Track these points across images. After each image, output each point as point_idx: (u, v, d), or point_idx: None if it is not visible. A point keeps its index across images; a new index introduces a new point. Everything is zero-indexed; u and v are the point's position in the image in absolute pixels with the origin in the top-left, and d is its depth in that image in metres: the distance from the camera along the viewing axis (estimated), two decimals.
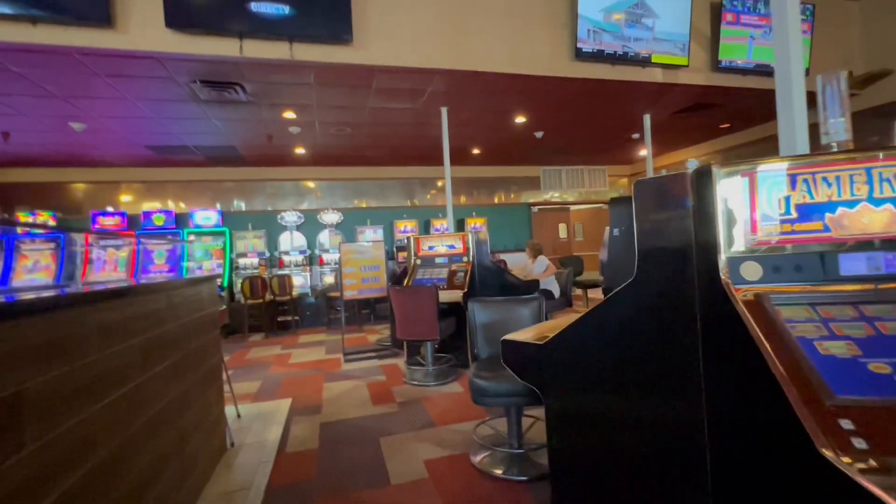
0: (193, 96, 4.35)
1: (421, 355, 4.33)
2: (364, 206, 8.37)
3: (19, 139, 5.39)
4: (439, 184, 8.74)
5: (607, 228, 6.44)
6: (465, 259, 4.61)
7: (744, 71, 4.89)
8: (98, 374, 1.35)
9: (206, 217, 7.34)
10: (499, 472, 2.28)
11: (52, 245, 6.79)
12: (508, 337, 1.86)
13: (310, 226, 7.92)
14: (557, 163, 9.11)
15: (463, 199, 8.80)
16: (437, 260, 4.72)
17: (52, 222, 6.95)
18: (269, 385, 4.16)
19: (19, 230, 6.66)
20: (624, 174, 9.90)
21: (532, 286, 4.90)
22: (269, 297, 6.91)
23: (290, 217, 7.79)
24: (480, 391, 2.21)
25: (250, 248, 7.51)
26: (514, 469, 2.27)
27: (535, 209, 9.42)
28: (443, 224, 8.10)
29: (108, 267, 6.90)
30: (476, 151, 7.59)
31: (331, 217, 7.93)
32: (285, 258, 7.65)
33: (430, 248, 4.77)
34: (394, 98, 4.79)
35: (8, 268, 6.50)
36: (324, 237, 7.89)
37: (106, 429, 1.38)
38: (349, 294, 5.02)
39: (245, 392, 3.96)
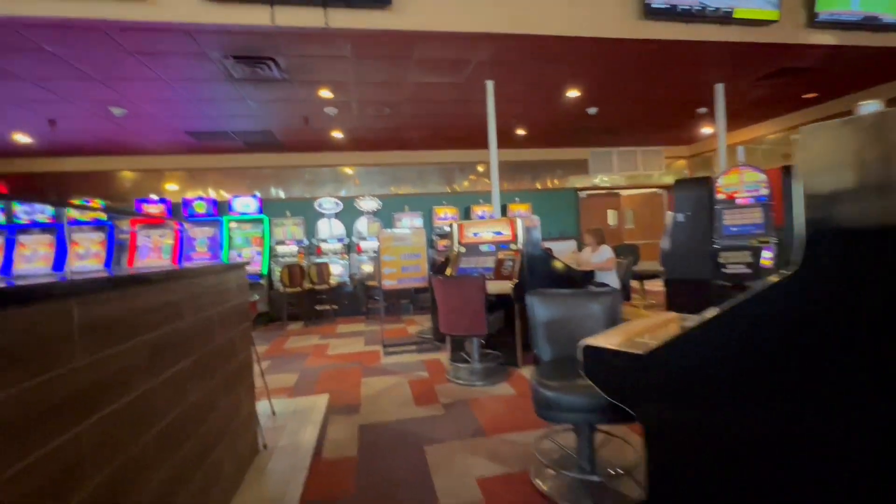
0: (227, 75, 4.15)
1: (466, 351, 3.98)
2: (402, 192, 8.08)
3: (66, 126, 5.43)
4: (480, 168, 8.32)
5: (669, 214, 5.78)
6: (513, 246, 4.20)
7: (846, 25, 4.14)
8: (88, 382, 1.08)
9: (246, 204, 7.28)
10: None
11: (102, 233, 6.94)
12: (591, 342, 1.47)
13: (347, 213, 7.73)
14: (608, 144, 8.43)
15: (505, 184, 8.32)
16: (483, 247, 4.34)
17: (100, 214, 7.09)
18: (306, 378, 3.96)
19: (78, 216, 6.82)
20: (682, 155, 9.07)
21: (586, 277, 4.43)
22: (307, 285, 6.78)
23: (328, 204, 7.62)
24: (547, 403, 1.83)
25: (289, 236, 7.41)
26: (589, 500, 1.89)
27: (582, 194, 8.81)
28: (484, 211, 7.69)
29: (153, 254, 6.99)
30: (520, 132, 7.09)
31: (368, 204, 7.69)
32: (323, 246, 7.50)
33: (475, 234, 4.40)
34: (436, 70, 4.40)
35: (62, 254, 6.70)
36: (361, 225, 7.67)
37: (99, 449, 1.11)
38: (388, 284, 4.74)
39: (281, 385, 3.77)
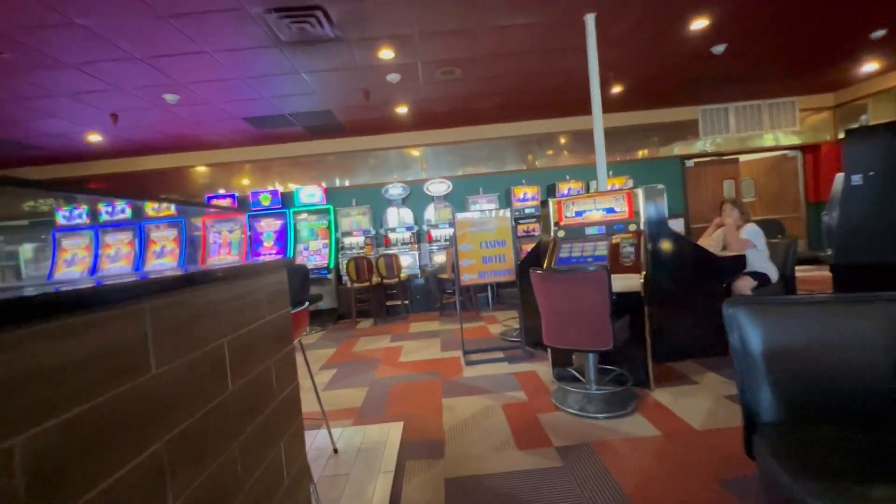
0: (273, 38, 3.54)
1: (573, 364, 3.07)
2: (475, 172, 7.22)
3: (129, 121, 5.25)
4: (562, 140, 7.19)
5: (838, 177, 4.32)
6: (631, 227, 3.18)
7: None
8: None
9: (311, 194, 6.87)
10: None
11: (175, 230, 6.90)
12: None
13: (416, 199, 7.04)
14: (722, 99, 6.88)
15: (591, 157, 7.12)
16: (590, 230, 3.35)
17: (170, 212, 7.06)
18: (375, 395, 3.29)
19: (153, 214, 6.85)
20: (825, 106, 7.19)
21: (735, 267, 3.28)
22: (375, 279, 6.21)
23: (395, 190, 6.98)
24: None
25: (355, 226, 6.90)
26: None
27: (689, 163, 7.34)
28: (571, 188, 6.59)
29: (222, 250, 6.83)
30: (616, 90, 5.87)
31: (438, 187, 6.94)
32: (392, 236, 6.90)
33: (579, 213, 3.42)
34: (520, 5, 3.44)
35: (141, 253, 6.75)
36: (431, 211, 6.95)
37: None
38: (467, 278, 3.93)
39: (347, 405, 3.13)
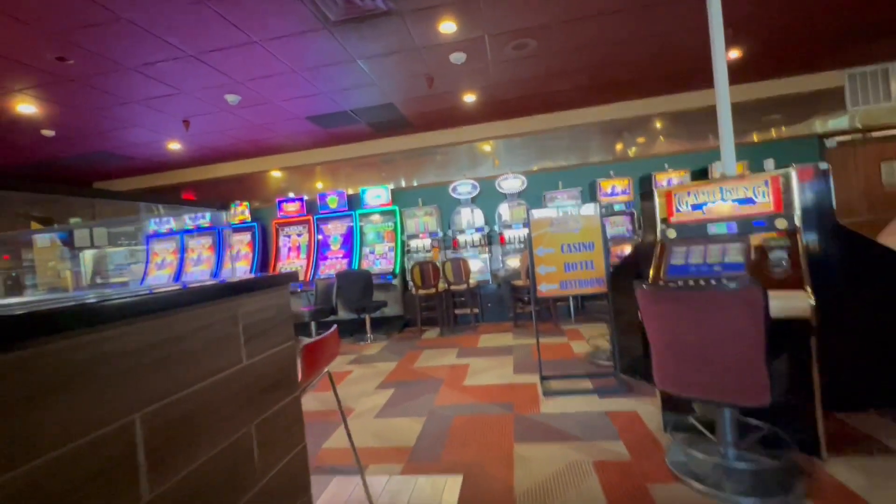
0: (321, 18, 3.16)
1: (697, 413, 2.25)
2: (553, 166, 6.42)
3: (200, 127, 5.31)
4: (658, 124, 6.12)
5: None
6: (780, 223, 2.27)
7: None
8: None
9: (377, 195, 6.58)
10: None
11: (248, 234, 7.01)
12: None
13: (487, 197, 6.43)
14: (880, 56, 5.34)
15: (696, 142, 5.96)
16: (715, 229, 2.49)
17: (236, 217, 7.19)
18: (433, 429, 2.74)
19: (230, 219, 7.03)
20: None
21: None
22: (442, 285, 5.71)
23: (464, 188, 6.43)
24: None
25: (421, 228, 6.46)
26: None
27: (830, 142, 5.85)
28: (671, 178, 5.53)
29: (292, 254, 6.79)
30: (734, 55, 4.76)
31: (511, 183, 6.27)
32: (460, 238, 6.36)
33: (697, 206, 2.57)
34: None
35: (219, 257, 6.95)
36: (504, 210, 6.29)
37: None
38: (545, 288, 3.23)
39: (399, 440, 2.61)
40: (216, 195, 7.29)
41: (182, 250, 7.12)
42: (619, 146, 6.27)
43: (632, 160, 6.19)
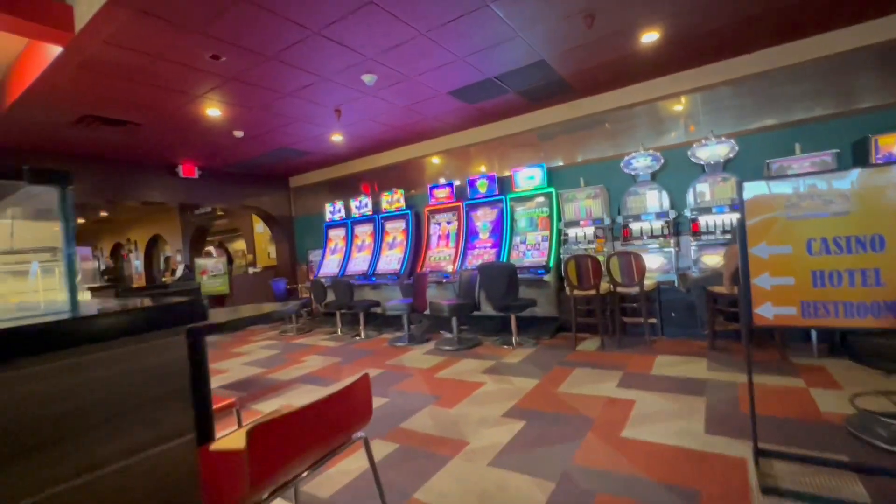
0: None
1: None
2: (786, 120, 4.44)
3: (351, 117, 5.35)
4: None
5: None
6: None
7: None
8: None
9: (529, 176, 5.71)
10: None
11: (402, 221, 7.02)
12: None
13: (674, 173, 4.90)
14: None
15: None
16: None
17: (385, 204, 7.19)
18: None
19: (388, 207, 7.19)
20: None
21: None
22: (605, 285, 4.55)
23: (641, 161, 5.02)
24: None
25: (582, 214, 5.33)
26: None
27: None
28: None
29: (441, 242, 6.50)
30: None
31: (713, 150, 4.58)
32: (634, 226, 5.00)
33: None
34: None
35: (378, 244, 7.17)
36: (701, 187, 4.65)
37: None
38: (773, 312, 1.92)
39: None
40: (381, 184, 7.52)
41: (349, 237, 7.62)
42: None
43: None
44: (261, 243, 10.53)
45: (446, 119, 5.81)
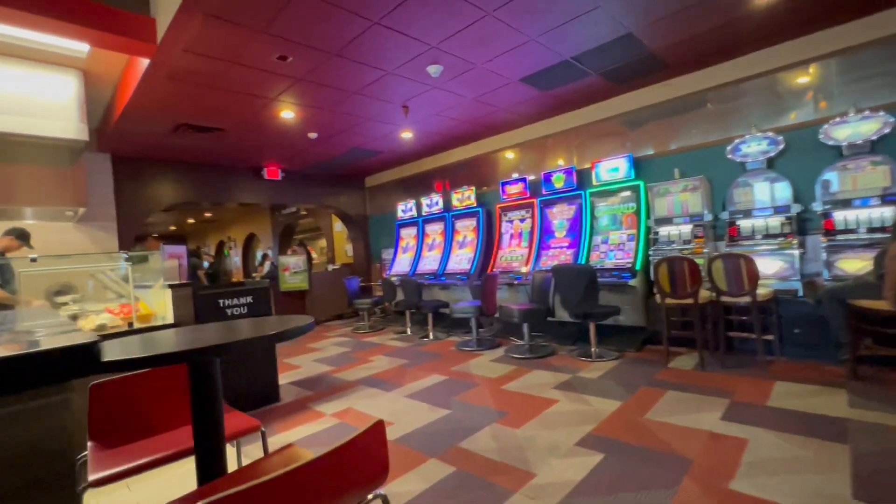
0: None
1: None
2: None
3: (420, 112, 5.20)
4: None
5: None
6: None
7: None
8: None
9: (612, 168, 5.12)
10: None
11: (473, 220, 6.75)
12: None
13: (797, 158, 4.04)
14: None
15: None
16: None
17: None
18: None
19: (458, 205, 6.98)
20: None
21: None
22: (706, 293, 3.87)
23: (753, 146, 4.22)
24: None
25: (677, 209, 4.63)
26: None
27: None
28: None
29: (513, 241, 6.13)
30: None
31: (854, 128, 3.67)
32: (743, 223, 4.22)
33: None
34: None
35: (448, 243, 6.98)
36: (836, 176, 3.76)
37: None
38: None
39: None
40: (453, 181, 7.33)
41: (420, 236, 7.53)
42: None
43: None
44: (339, 242, 10.93)
45: (519, 110, 5.42)
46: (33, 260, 3.10)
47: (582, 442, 2.53)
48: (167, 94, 4.10)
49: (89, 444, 1.27)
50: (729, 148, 4.34)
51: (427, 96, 4.71)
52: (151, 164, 6.31)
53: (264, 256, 11.13)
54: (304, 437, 2.91)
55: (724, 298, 3.78)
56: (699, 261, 3.96)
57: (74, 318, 3.17)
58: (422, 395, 3.56)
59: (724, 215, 4.31)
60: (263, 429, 1.43)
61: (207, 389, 1.09)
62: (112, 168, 5.87)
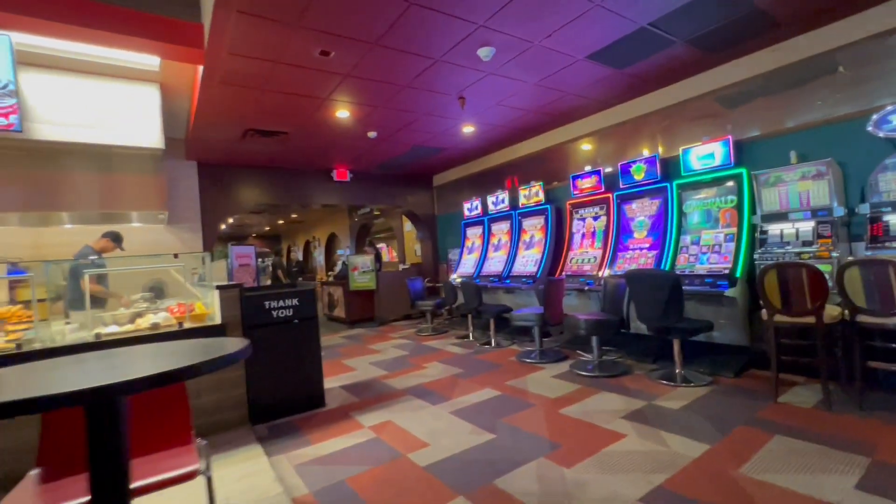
0: None
1: None
2: None
3: (477, 104, 4.83)
4: None
5: None
6: None
7: None
8: None
9: (706, 155, 4.29)
10: None
11: (541, 219, 6.20)
12: None
13: None
14: None
15: None
16: None
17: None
18: None
19: (525, 202, 6.48)
20: None
21: None
22: (835, 310, 3.00)
23: None
24: None
25: (793, 202, 3.70)
26: None
27: None
28: None
29: (585, 241, 5.49)
30: None
31: None
32: (892, 220, 3.21)
33: None
34: None
35: (515, 243, 6.52)
36: None
37: None
38: None
39: None
40: (521, 177, 6.83)
41: (486, 235, 7.16)
42: None
43: None
44: (409, 241, 10.95)
45: (589, 93, 4.79)
46: (94, 262, 3.30)
47: (649, 497, 2.00)
48: (225, 100, 4.23)
49: (33, 470, 1.16)
50: (874, 118, 3.34)
51: (483, 84, 4.33)
52: (230, 170, 6.73)
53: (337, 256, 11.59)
54: (334, 451, 2.73)
55: (863, 318, 2.88)
56: (824, 267, 3.09)
57: (137, 315, 3.34)
58: (468, 413, 3.22)
59: (864, 209, 3.32)
60: (209, 473, 1.20)
61: (105, 434, 0.88)
62: (198, 174, 6.36)
